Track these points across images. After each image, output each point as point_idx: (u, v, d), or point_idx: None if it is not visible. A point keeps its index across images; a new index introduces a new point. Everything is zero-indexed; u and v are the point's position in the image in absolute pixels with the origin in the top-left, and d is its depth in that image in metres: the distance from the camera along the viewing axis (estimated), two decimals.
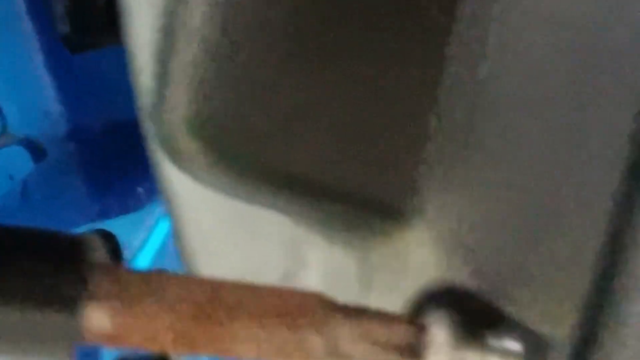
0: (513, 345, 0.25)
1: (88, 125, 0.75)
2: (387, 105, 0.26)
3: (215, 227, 0.32)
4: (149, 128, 0.27)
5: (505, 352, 0.25)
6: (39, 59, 0.74)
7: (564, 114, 0.24)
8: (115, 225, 0.68)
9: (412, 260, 0.27)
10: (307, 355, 0.23)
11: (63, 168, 0.74)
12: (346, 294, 0.28)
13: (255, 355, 0.23)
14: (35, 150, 0.74)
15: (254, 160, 0.25)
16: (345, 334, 0.23)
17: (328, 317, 0.23)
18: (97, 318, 0.21)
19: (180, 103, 0.25)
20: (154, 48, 0.26)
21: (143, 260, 0.62)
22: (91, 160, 0.74)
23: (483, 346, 0.25)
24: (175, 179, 0.31)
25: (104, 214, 0.69)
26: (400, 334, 0.24)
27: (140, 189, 0.69)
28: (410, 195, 0.26)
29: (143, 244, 0.64)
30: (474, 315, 0.25)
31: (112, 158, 0.74)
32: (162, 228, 0.62)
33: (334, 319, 0.23)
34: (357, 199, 0.26)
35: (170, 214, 0.33)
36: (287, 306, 0.23)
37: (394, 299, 0.27)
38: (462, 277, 0.26)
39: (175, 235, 0.33)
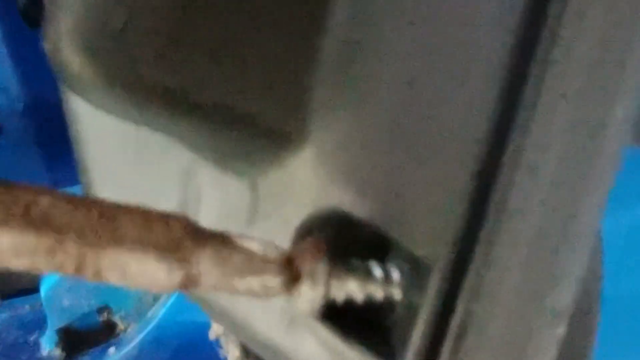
0: (393, 272, 0.25)
1: (45, 100, 0.75)
2: (272, 31, 0.26)
3: (113, 153, 0.32)
4: (46, 53, 0.27)
5: (385, 279, 0.25)
6: None
7: (444, 35, 0.24)
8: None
9: (298, 187, 0.27)
10: (165, 273, 0.23)
11: (19, 142, 0.74)
12: (237, 224, 0.28)
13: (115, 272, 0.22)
14: None
15: (138, 77, 0.25)
16: (205, 258, 0.23)
17: (189, 240, 0.23)
18: None
19: (64, 19, 0.25)
20: None
21: None
22: (47, 134, 0.74)
23: (357, 275, 0.25)
24: (78, 106, 0.31)
25: (57, 183, 0.69)
26: (265, 263, 0.24)
27: None
28: (297, 120, 0.26)
29: None
30: (353, 243, 0.26)
31: (67, 130, 0.74)
32: None
33: (194, 242, 0.23)
34: (246, 122, 0.26)
35: (74, 141, 0.33)
36: (151, 227, 0.23)
37: (278, 224, 0.27)
38: (346, 203, 0.26)
39: (77, 162, 0.33)
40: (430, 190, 0.24)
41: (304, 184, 0.27)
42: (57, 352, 0.65)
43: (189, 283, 0.23)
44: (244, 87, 0.26)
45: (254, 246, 0.24)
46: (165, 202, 0.30)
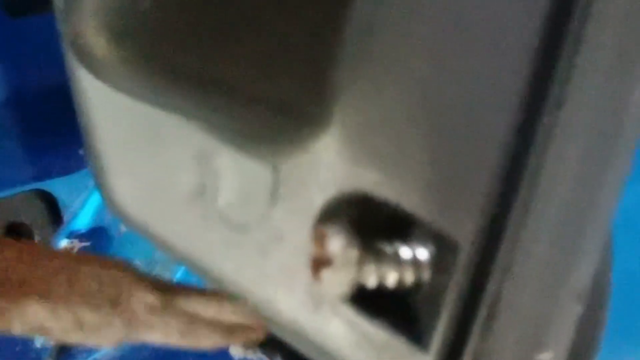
0: (420, 252, 0.25)
1: (28, 90, 0.73)
2: (295, 10, 0.25)
3: (126, 135, 0.32)
4: (61, 32, 0.27)
5: (412, 259, 0.25)
6: None
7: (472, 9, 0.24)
8: (56, 186, 0.67)
9: (321, 168, 0.27)
10: (106, 322, 0.23)
11: (1, 132, 0.73)
12: (257, 206, 0.28)
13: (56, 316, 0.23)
14: None
15: (164, 58, 0.25)
16: (146, 305, 0.23)
17: (131, 287, 0.23)
18: None
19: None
20: None
21: (83, 219, 0.62)
22: (31, 124, 0.73)
23: (387, 258, 0.25)
24: (88, 85, 0.31)
25: (43, 175, 0.68)
26: (210, 309, 0.24)
27: (81, 151, 0.68)
28: (320, 101, 0.26)
29: (83, 204, 0.64)
30: (378, 224, 0.25)
31: (52, 121, 0.73)
32: None
33: (136, 289, 0.23)
34: (269, 104, 0.26)
35: (82, 123, 0.32)
36: (93, 275, 0.23)
37: (301, 208, 0.27)
38: (370, 184, 0.26)
39: (86, 144, 0.33)
40: (458, 167, 0.24)
41: (327, 166, 0.27)
42: (50, 343, 0.64)
43: (131, 334, 0.23)
44: (267, 68, 0.26)
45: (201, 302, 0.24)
46: (181, 185, 0.30)
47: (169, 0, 0.24)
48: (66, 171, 0.68)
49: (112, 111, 0.31)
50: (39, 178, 0.68)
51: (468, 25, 0.23)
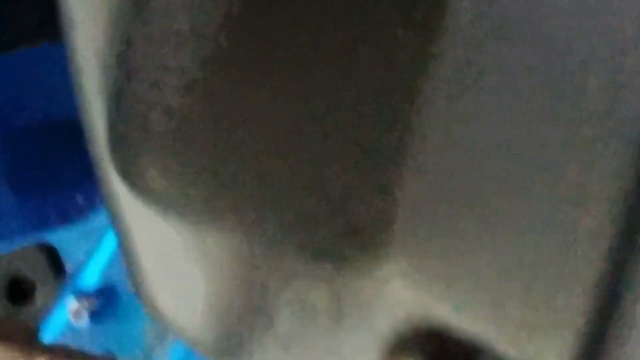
0: None
1: (17, 131, 0.72)
2: (357, 134, 0.25)
3: (172, 257, 0.31)
4: (105, 157, 0.26)
5: None
6: None
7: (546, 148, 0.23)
8: (56, 237, 0.65)
9: (388, 296, 0.26)
10: None
11: None
12: (317, 330, 0.28)
13: None
14: None
15: (223, 189, 0.24)
16: None
17: None
18: None
19: (154, 147, 0.24)
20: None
21: (91, 274, 0.60)
22: (22, 168, 0.71)
23: None
24: (131, 210, 0.30)
25: (41, 226, 0.66)
26: None
27: (79, 196, 0.67)
28: (387, 226, 0.25)
29: (89, 256, 0.62)
30: (447, 353, 0.25)
31: (45, 164, 0.71)
32: (111, 239, 0.59)
33: None
34: (332, 228, 0.26)
35: (120, 237, 0.31)
36: None
37: (366, 336, 0.26)
38: (444, 316, 0.25)
39: (126, 260, 0.32)
40: (543, 305, 0.23)
41: (393, 294, 0.26)
42: None
43: None
44: (333, 192, 0.25)
45: None
46: (234, 307, 0.29)
47: (241, 161, 0.23)
48: (64, 219, 0.66)
49: (156, 230, 0.30)
50: (35, 228, 0.66)
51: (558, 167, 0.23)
